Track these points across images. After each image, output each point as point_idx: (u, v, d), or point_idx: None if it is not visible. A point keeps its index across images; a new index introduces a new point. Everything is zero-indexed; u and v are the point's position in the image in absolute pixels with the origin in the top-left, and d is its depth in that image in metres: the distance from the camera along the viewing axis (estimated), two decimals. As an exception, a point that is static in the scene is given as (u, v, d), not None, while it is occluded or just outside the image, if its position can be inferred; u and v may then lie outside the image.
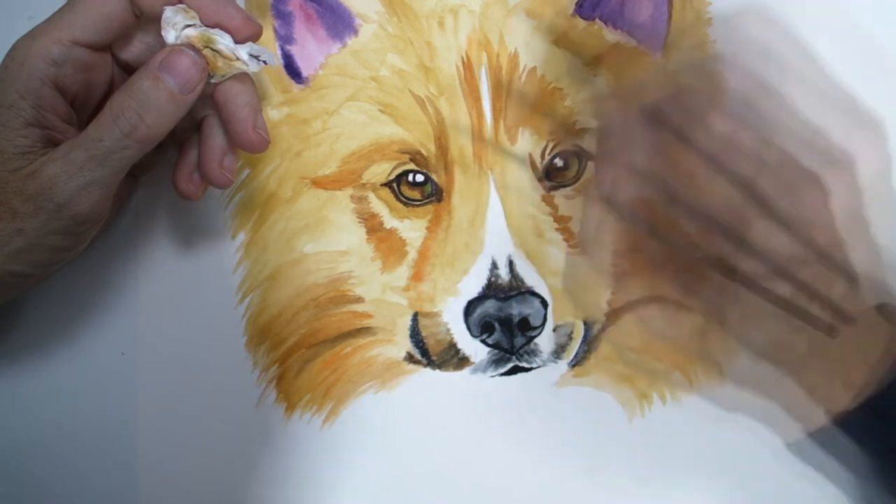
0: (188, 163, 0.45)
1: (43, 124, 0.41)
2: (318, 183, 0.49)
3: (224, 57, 0.42)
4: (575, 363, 0.50)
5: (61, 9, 0.42)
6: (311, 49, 0.50)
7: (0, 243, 0.40)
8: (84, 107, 0.44)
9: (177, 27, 0.42)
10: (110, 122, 0.40)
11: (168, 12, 0.42)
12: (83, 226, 0.42)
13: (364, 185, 0.49)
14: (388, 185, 0.49)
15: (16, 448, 0.50)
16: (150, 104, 0.40)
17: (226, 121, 0.44)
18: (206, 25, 0.42)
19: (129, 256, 0.50)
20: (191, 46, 0.42)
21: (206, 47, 0.42)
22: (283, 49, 0.50)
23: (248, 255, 0.50)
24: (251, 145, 0.44)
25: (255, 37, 0.43)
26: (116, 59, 0.45)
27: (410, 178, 0.49)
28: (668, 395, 0.50)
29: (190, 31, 0.42)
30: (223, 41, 0.42)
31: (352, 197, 0.49)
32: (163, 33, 0.42)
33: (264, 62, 0.43)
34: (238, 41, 0.43)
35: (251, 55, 0.43)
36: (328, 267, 0.49)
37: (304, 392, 0.49)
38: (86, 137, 0.40)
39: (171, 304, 0.50)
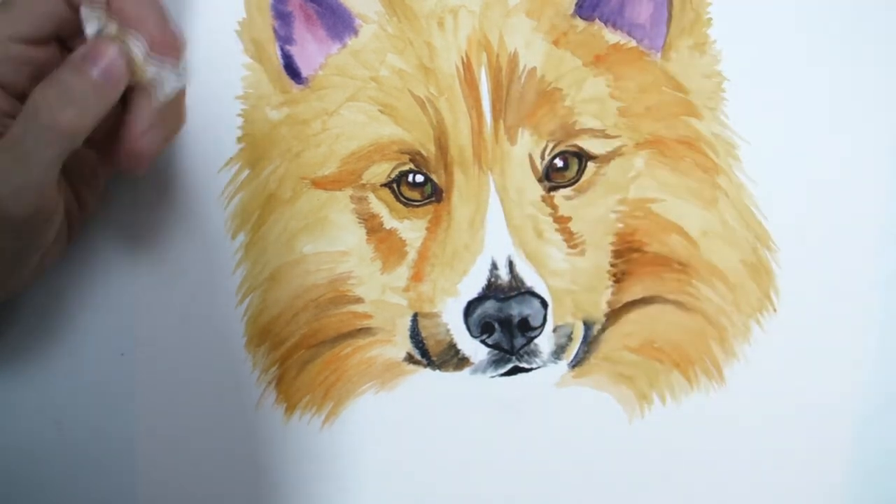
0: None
1: None
2: (317, 183, 0.49)
3: (136, 64, 0.41)
4: (575, 364, 0.50)
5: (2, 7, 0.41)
6: (310, 49, 0.49)
7: None
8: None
9: (100, 20, 0.41)
10: (31, 117, 0.39)
11: (84, 10, 0.41)
12: (29, 225, 0.40)
13: (364, 185, 0.49)
14: (387, 185, 0.49)
15: (16, 448, 0.50)
16: (73, 95, 0.39)
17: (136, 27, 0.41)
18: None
19: (129, 256, 0.50)
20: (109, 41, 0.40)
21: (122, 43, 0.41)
22: (282, 49, 0.49)
23: (248, 256, 0.50)
24: (126, 167, 0.42)
25: (173, 51, 0.42)
26: (70, 50, 0.43)
27: (410, 178, 0.49)
28: (668, 395, 0.50)
29: (111, 28, 0.41)
30: (136, 47, 0.41)
31: (351, 197, 0.49)
32: (84, 27, 0.41)
33: (168, 88, 0.42)
34: (156, 52, 0.41)
35: (158, 74, 0.41)
36: (328, 267, 0.49)
37: (303, 393, 0.50)
38: (8, 138, 0.39)
39: (171, 305, 0.50)
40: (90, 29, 0.41)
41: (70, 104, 0.39)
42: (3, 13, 0.41)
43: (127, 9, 0.41)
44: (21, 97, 0.41)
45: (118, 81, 0.40)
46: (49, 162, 0.39)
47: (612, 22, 0.50)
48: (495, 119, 0.49)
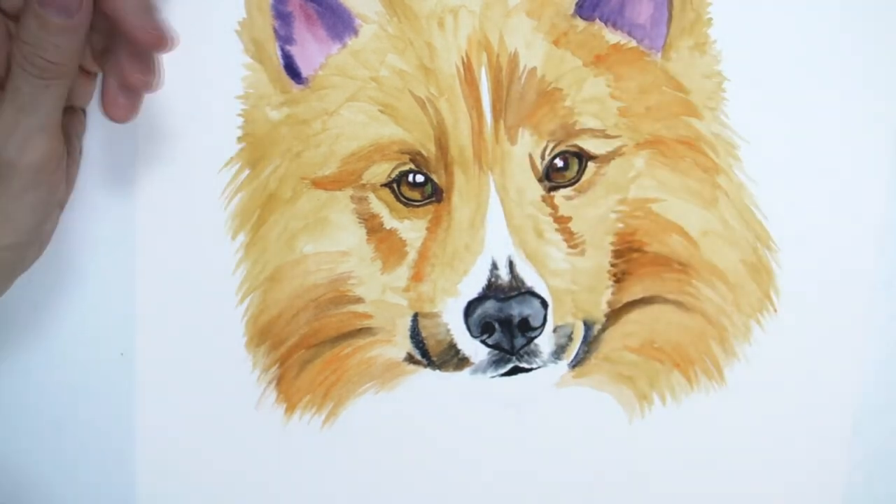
0: (111, 86, 0.44)
1: None
2: (317, 183, 0.49)
3: None
4: (575, 364, 0.50)
5: None
6: (311, 49, 0.49)
7: None
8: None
9: None
10: (20, 71, 0.41)
11: None
12: (44, 173, 0.43)
13: (364, 185, 0.49)
14: (388, 185, 0.49)
15: (16, 448, 0.50)
16: (44, 42, 0.40)
17: (119, 28, 0.42)
18: None
19: (129, 256, 0.50)
20: None
21: None
22: (283, 49, 0.49)
23: (248, 256, 0.50)
24: (149, 45, 0.42)
25: (159, 46, 0.42)
26: (7, 14, 0.43)
27: (410, 178, 0.49)
28: (669, 395, 0.50)
29: None
30: None
31: (352, 197, 0.49)
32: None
33: None
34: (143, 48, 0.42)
35: None
36: (328, 267, 0.49)
37: (303, 392, 0.50)
38: (7, 92, 0.41)
39: (171, 305, 0.50)
40: None
41: (45, 51, 0.40)
42: None
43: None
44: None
45: (77, 11, 0.41)
46: (52, 104, 0.42)
47: (613, 22, 0.50)
48: (495, 119, 0.49)
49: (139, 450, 0.49)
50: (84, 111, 0.49)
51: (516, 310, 0.48)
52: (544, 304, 0.48)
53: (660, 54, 0.50)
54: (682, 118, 0.50)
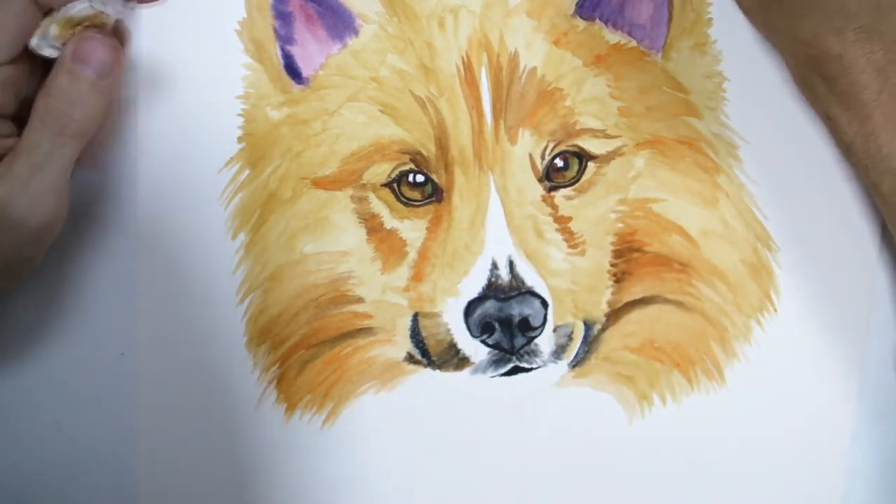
0: None
1: None
2: (318, 183, 0.49)
3: (89, 18, 0.41)
4: (575, 364, 0.50)
5: None
6: (311, 49, 0.49)
7: None
8: (24, 112, 0.43)
9: (46, 38, 0.41)
10: (41, 126, 0.40)
11: (35, 41, 0.41)
12: (45, 231, 0.42)
13: (364, 185, 0.49)
14: (388, 185, 0.49)
15: (16, 448, 0.50)
16: (74, 99, 0.40)
17: None
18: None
19: (129, 256, 0.50)
20: (70, 34, 0.41)
21: (75, 26, 0.41)
22: (283, 49, 0.49)
23: (249, 256, 0.50)
24: None
25: None
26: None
27: (411, 178, 0.49)
28: (669, 395, 0.50)
29: (52, 29, 0.41)
30: (75, 6, 0.41)
31: (352, 197, 0.49)
32: (42, 52, 0.42)
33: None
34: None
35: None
36: (328, 267, 0.49)
37: (304, 392, 0.50)
38: (23, 147, 0.40)
39: (171, 305, 0.50)
40: (44, 51, 0.42)
41: (73, 109, 0.40)
42: None
43: None
44: (13, 117, 0.42)
45: (111, 73, 0.41)
46: (64, 165, 0.41)
47: (613, 22, 0.50)
48: (496, 119, 0.49)
49: (139, 450, 0.49)
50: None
51: (516, 310, 0.48)
52: (544, 303, 0.48)
53: (660, 54, 0.50)
54: (683, 118, 0.50)
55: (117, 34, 0.42)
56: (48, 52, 0.41)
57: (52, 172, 0.41)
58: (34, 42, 0.41)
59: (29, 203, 0.41)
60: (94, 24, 0.42)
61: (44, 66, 0.44)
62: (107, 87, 0.41)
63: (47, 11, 0.42)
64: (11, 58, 0.41)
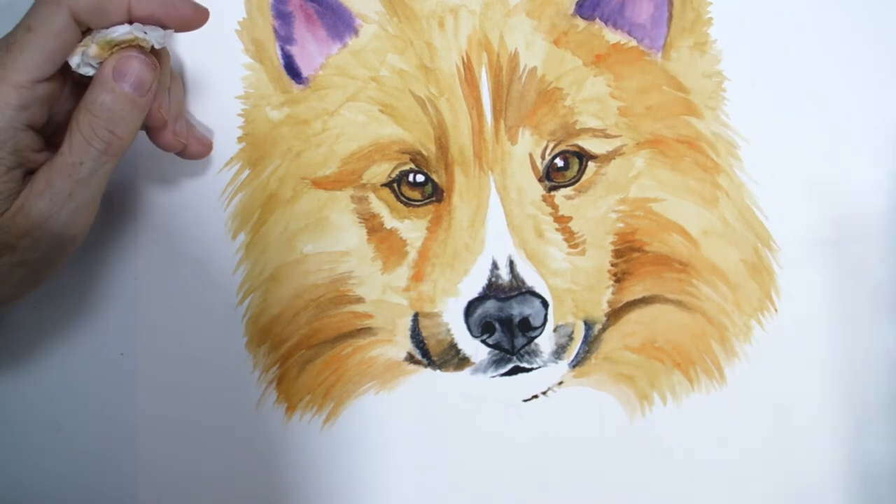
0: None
1: (22, 164, 0.41)
2: (318, 183, 0.49)
3: (127, 41, 0.42)
4: (575, 363, 0.50)
5: (9, 50, 0.41)
6: (311, 49, 0.49)
7: (3, 276, 0.42)
8: (50, 126, 0.44)
9: (84, 57, 0.42)
10: (85, 144, 0.41)
11: (75, 60, 0.42)
12: (77, 240, 0.43)
13: (364, 185, 0.49)
14: (388, 185, 0.49)
15: (16, 448, 0.50)
16: (117, 116, 0.41)
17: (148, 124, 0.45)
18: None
19: (129, 256, 0.50)
20: (108, 54, 0.42)
21: (113, 47, 0.42)
22: (283, 49, 0.49)
23: (249, 256, 0.50)
24: (169, 149, 0.46)
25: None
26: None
27: (411, 178, 0.49)
28: (669, 395, 0.50)
29: (92, 49, 0.42)
30: (117, 30, 0.42)
31: (352, 197, 0.49)
32: (80, 70, 0.42)
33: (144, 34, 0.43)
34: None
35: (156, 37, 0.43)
36: (328, 267, 0.49)
37: (304, 392, 0.49)
38: (65, 163, 0.41)
39: (171, 305, 0.50)
40: (80, 67, 0.42)
41: (117, 126, 0.41)
42: (20, 55, 0.41)
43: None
44: (42, 130, 0.43)
45: (149, 89, 0.42)
46: (103, 181, 0.43)
47: (613, 21, 0.50)
48: (496, 119, 0.49)
49: (139, 450, 0.49)
50: None
51: (517, 309, 0.48)
52: (545, 303, 0.48)
53: (660, 54, 0.50)
54: (683, 118, 0.50)
55: (155, 53, 0.43)
56: (85, 71, 0.42)
57: (92, 188, 0.42)
58: (75, 60, 0.42)
59: (69, 217, 0.42)
60: (132, 46, 0.42)
61: (73, 84, 0.44)
62: (145, 103, 0.42)
63: (85, 30, 0.42)
64: (51, 74, 0.42)
